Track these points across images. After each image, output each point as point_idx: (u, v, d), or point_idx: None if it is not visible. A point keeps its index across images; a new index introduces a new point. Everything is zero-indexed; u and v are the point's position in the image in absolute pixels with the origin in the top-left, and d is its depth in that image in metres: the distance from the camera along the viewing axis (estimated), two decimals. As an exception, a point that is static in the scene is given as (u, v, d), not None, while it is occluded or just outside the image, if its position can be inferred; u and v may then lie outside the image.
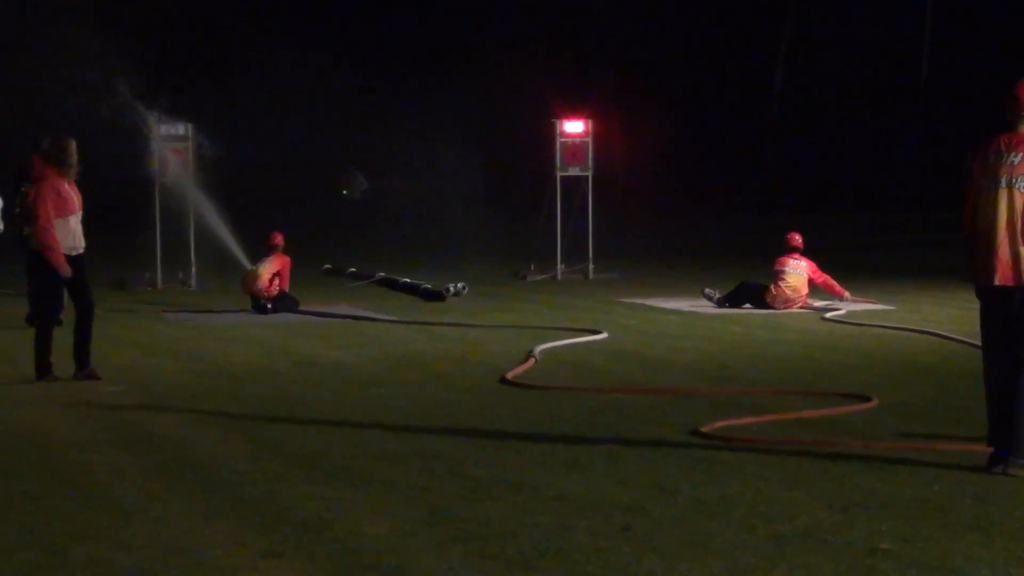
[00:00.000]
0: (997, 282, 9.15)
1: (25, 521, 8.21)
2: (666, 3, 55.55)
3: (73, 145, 13.67)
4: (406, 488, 8.93)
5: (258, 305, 20.11)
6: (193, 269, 24.68)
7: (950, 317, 18.61)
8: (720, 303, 20.41)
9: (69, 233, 13.57)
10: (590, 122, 26.79)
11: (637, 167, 49.62)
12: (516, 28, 54.59)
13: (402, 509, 8.40)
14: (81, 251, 13.66)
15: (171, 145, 24.58)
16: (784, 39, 57.14)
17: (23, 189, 18.31)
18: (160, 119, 24.42)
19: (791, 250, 20.14)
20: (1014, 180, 9.09)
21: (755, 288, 20.35)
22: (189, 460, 9.92)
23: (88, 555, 7.50)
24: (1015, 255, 9.10)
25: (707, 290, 20.92)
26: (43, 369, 13.65)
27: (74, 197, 13.61)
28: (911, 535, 7.71)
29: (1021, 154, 9.10)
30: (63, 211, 13.48)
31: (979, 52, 52.41)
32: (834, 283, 20.39)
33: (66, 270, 13.49)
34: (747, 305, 20.12)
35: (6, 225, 18.88)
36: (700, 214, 47.99)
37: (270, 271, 20.30)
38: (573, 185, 26.94)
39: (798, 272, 20.03)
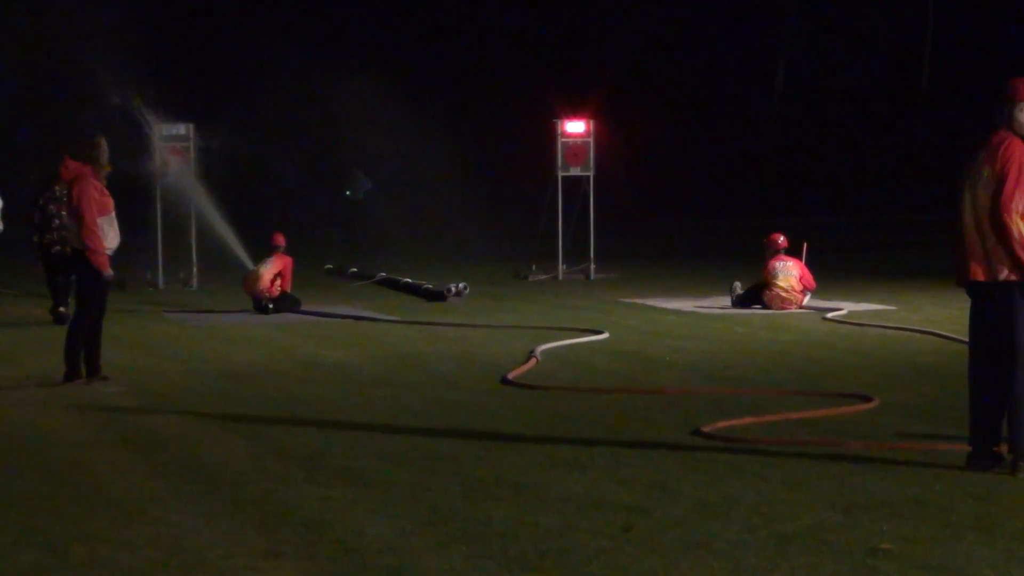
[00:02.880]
0: (975, 278, 9.21)
1: (25, 521, 8.20)
2: (669, 3, 55.57)
3: (105, 143, 13.62)
4: (407, 488, 8.93)
5: (259, 305, 20.11)
6: (194, 269, 24.68)
7: (951, 317, 18.58)
8: (734, 303, 20.31)
9: (104, 234, 13.47)
10: (591, 122, 26.77)
11: (639, 167, 49.64)
12: (518, 28, 54.61)
13: (403, 509, 8.40)
14: (109, 253, 13.56)
15: (172, 145, 24.59)
16: (786, 39, 57.14)
17: (41, 201, 18.42)
18: (161, 119, 24.44)
19: (775, 252, 20.07)
20: (978, 179, 9.15)
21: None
22: (190, 460, 9.92)
23: (89, 555, 7.49)
24: (983, 252, 9.14)
25: (736, 283, 20.71)
26: (72, 372, 13.49)
27: (109, 197, 13.54)
28: (912, 535, 7.71)
29: (983, 153, 9.16)
30: (100, 211, 13.41)
31: (981, 53, 52.40)
32: (810, 282, 20.26)
33: (109, 273, 13.42)
34: (756, 306, 20.05)
35: (6, 225, 18.90)
36: (701, 214, 48.00)
37: (272, 271, 20.29)
38: (574, 185, 26.93)
39: (787, 272, 19.97)
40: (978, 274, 9.19)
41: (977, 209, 9.17)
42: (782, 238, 20.15)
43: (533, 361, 14.75)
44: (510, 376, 13.66)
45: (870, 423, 11.10)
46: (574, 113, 27.37)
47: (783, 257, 20.08)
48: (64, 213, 17.33)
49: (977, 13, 53.95)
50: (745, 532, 7.81)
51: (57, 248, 18.29)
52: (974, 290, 9.32)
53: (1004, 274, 9.12)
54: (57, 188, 18.15)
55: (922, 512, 8.21)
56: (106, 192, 13.49)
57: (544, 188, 27.42)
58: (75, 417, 11.77)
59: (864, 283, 24.68)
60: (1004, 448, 9.19)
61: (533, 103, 40.67)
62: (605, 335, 17.16)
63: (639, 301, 21.92)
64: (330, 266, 27.21)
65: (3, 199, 18.89)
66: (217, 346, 16.66)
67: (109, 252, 13.47)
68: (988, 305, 9.27)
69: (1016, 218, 9.02)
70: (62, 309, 18.63)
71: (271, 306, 20.05)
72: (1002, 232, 9.03)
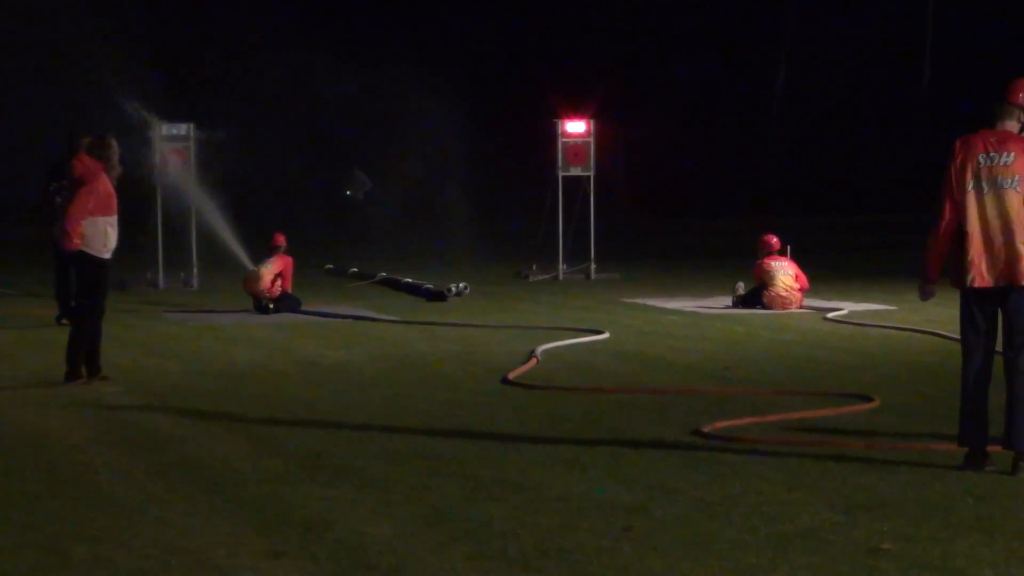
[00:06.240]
0: (995, 283, 9.19)
1: (26, 521, 8.20)
2: (669, 3, 55.57)
3: (115, 144, 13.63)
4: (408, 488, 8.93)
5: (260, 305, 20.10)
6: (195, 269, 24.68)
7: (952, 317, 18.46)
8: (735, 303, 20.30)
9: (100, 233, 13.45)
10: (591, 122, 26.77)
11: (639, 167, 49.63)
12: (518, 27, 54.61)
13: (404, 509, 8.40)
14: (109, 255, 13.55)
15: (172, 145, 24.59)
16: (786, 38, 57.14)
17: (52, 187, 18.32)
18: (161, 119, 24.46)
19: (768, 253, 20.03)
20: (1009, 180, 9.13)
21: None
22: (190, 460, 9.92)
23: (89, 555, 7.50)
24: (1015, 255, 9.13)
25: (739, 283, 20.66)
26: (73, 372, 13.49)
27: (115, 198, 13.54)
28: (913, 535, 7.71)
29: (1013, 153, 9.15)
30: (105, 211, 13.39)
31: (981, 53, 52.40)
32: (804, 281, 20.25)
33: (73, 247, 13.38)
34: (757, 307, 19.99)
35: (9, 225, 18.85)
36: (702, 214, 47.99)
37: (272, 272, 20.28)
38: (575, 185, 26.93)
39: (785, 271, 19.96)
40: (1006, 277, 9.16)
41: (1008, 210, 9.14)
42: (775, 239, 20.14)
43: (533, 361, 14.75)
44: (510, 376, 13.66)
45: (870, 423, 11.10)
46: (574, 113, 27.36)
47: (777, 257, 20.08)
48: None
49: (977, 12, 53.92)
50: (745, 532, 7.81)
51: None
52: (985, 292, 9.28)
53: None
54: (54, 185, 18.07)
55: (922, 512, 8.21)
56: (114, 194, 13.51)
57: (544, 188, 27.42)
58: (75, 417, 11.77)
59: (864, 283, 24.68)
60: (997, 447, 9.23)
61: (533, 103, 40.67)
62: (605, 335, 17.16)
63: (639, 301, 21.92)
64: (330, 266, 27.23)
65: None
66: (217, 346, 16.66)
67: (108, 254, 13.48)
68: (995, 307, 9.27)
69: None
70: (64, 322, 18.60)
71: (271, 306, 20.04)
72: None
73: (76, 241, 13.33)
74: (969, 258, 9.26)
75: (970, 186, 9.24)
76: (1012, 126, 9.27)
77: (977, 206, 9.23)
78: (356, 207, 43.18)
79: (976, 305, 9.37)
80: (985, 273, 9.24)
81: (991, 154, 9.21)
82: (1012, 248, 9.14)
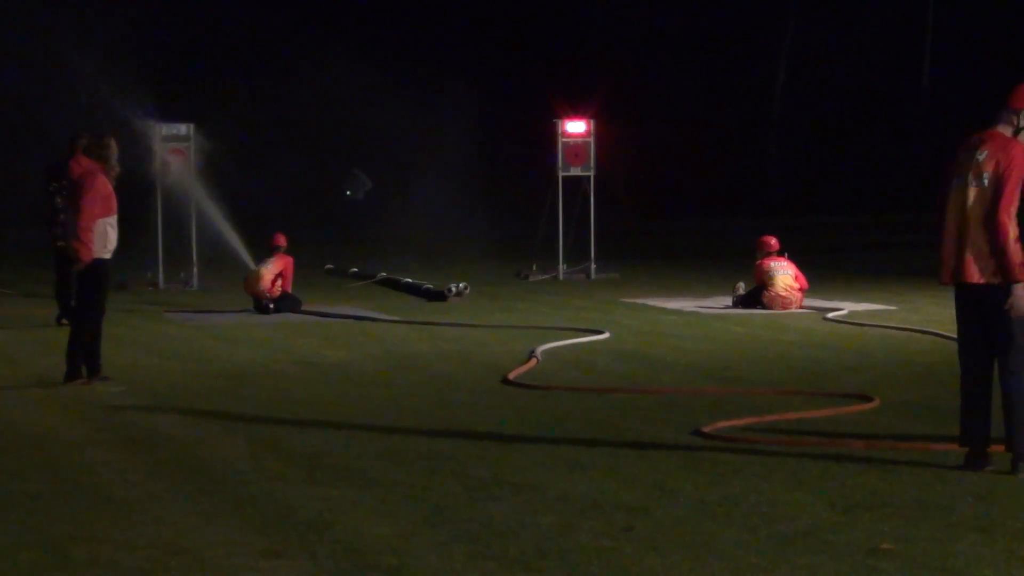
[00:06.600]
0: (968, 279, 9.22)
1: (26, 521, 8.20)
2: (669, 3, 55.58)
3: (114, 144, 13.62)
4: (408, 488, 8.93)
5: (260, 305, 20.10)
6: (195, 269, 24.68)
7: (951, 317, 18.48)
8: (735, 303, 20.29)
9: (100, 233, 13.43)
10: (591, 122, 26.78)
11: (639, 167, 49.64)
12: (519, 27, 54.63)
13: (404, 509, 8.40)
14: (109, 255, 13.54)
15: (172, 145, 24.59)
16: (786, 38, 57.14)
17: (52, 188, 18.32)
18: (161, 119, 24.47)
19: (768, 254, 20.02)
20: (977, 179, 9.14)
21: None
22: (190, 460, 9.91)
23: (89, 555, 7.49)
24: (982, 251, 9.14)
25: (739, 284, 20.65)
26: (73, 372, 13.50)
27: (114, 199, 13.53)
28: (913, 535, 7.71)
29: (986, 152, 9.16)
30: (105, 211, 13.39)
31: (982, 52, 52.41)
32: (804, 281, 20.24)
33: (80, 265, 13.41)
34: (757, 307, 19.97)
35: (11, 226, 18.83)
36: (702, 214, 48.01)
37: (273, 272, 20.29)
38: (575, 185, 26.94)
39: (784, 271, 19.96)
40: (977, 274, 9.18)
41: (974, 206, 9.17)
42: (774, 240, 20.15)
43: (533, 361, 14.75)
44: (510, 376, 13.66)
45: (870, 423, 11.10)
46: (574, 113, 27.37)
47: (776, 258, 20.08)
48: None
49: (977, 12, 53.93)
50: (745, 532, 7.80)
51: (61, 243, 18.25)
52: (969, 289, 9.31)
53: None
54: (54, 185, 18.03)
55: (922, 512, 8.21)
56: (113, 194, 13.49)
57: (545, 188, 27.43)
58: (75, 417, 11.77)
59: (864, 283, 24.69)
60: (1001, 448, 9.22)
61: (533, 103, 40.71)
62: (606, 335, 17.16)
63: (639, 301, 21.92)
64: (330, 266, 27.24)
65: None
66: (217, 346, 16.66)
67: (108, 254, 13.46)
68: (982, 305, 9.29)
69: (1014, 220, 9.05)
70: (64, 322, 18.58)
71: (272, 306, 20.05)
72: (996, 231, 9.02)
73: (91, 248, 13.30)
74: (941, 254, 9.32)
75: (952, 183, 9.29)
76: (1004, 129, 9.29)
77: (951, 202, 9.27)
78: (356, 206, 43.19)
79: (960, 300, 9.42)
80: (954, 268, 9.28)
81: (971, 151, 9.24)
82: (975, 244, 9.15)
